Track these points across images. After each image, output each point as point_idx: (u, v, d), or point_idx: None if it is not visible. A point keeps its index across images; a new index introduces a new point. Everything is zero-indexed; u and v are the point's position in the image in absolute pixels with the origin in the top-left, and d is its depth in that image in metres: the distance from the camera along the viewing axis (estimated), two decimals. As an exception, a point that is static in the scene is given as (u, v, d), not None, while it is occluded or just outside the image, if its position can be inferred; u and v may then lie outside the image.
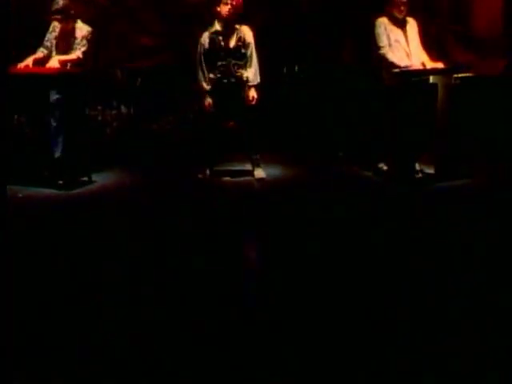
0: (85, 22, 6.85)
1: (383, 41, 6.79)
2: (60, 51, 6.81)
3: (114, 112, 8.13)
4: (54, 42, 6.85)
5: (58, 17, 6.67)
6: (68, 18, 6.68)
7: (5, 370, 3.04)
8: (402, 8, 6.77)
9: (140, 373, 3.17)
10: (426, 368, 3.14)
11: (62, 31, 6.80)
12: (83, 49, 6.75)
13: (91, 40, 6.80)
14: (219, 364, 3.23)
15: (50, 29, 6.84)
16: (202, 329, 3.58)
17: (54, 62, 6.66)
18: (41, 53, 6.84)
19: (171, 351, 3.37)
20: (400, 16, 6.81)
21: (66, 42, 6.82)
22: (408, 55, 6.81)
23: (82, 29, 6.78)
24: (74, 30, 6.77)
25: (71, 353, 3.33)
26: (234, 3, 6.64)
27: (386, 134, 6.97)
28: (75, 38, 6.76)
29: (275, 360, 3.26)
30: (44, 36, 6.88)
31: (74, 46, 6.76)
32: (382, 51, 6.79)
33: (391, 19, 6.81)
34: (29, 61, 6.72)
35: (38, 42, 6.88)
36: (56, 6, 6.61)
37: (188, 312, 3.81)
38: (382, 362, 3.23)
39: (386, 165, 6.96)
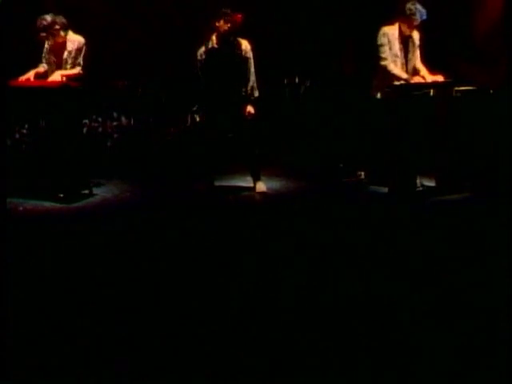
0: (76, 31, 6.86)
1: (385, 51, 6.78)
2: (53, 65, 6.85)
3: (114, 124, 8.13)
4: (47, 56, 6.88)
5: (44, 34, 6.67)
6: (53, 34, 6.70)
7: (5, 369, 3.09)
8: (413, 26, 6.77)
9: (140, 373, 3.21)
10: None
11: (53, 45, 6.83)
12: (82, 63, 6.80)
13: (85, 50, 6.82)
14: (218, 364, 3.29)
15: (45, 44, 6.86)
16: (202, 333, 3.63)
17: (56, 76, 6.68)
18: (42, 68, 6.90)
19: (171, 351, 3.43)
20: (407, 33, 6.82)
21: (58, 56, 6.84)
22: (405, 71, 6.82)
23: (73, 41, 6.79)
24: (65, 42, 6.79)
25: (71, 353, 3.39)
26: (236, 19, 6.63)
27: (385, 147, 6.97)
28: (67, 50, 6.79)
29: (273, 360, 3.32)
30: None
31: (67, 59, 6.79)
32: (384, 62, 6.79)
33: (397, 31, 6.80)
34: (30, 74, 6.74)
35: (39, 56, 6.91)
36: (39, 24, 6.61)
37: (188, 318, 3.85)
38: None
39: (365, 173, 7.11)
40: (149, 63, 8.51)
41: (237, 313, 3.95)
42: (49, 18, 6.62)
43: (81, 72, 6.81)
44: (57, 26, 6.67)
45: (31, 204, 6.40)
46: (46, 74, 6.87)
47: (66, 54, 6.79)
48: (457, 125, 6.74)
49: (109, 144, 7.79)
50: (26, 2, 7.45)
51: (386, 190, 6.78)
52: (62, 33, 6.73)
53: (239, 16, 6.65)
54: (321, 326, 3.74)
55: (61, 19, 6.71)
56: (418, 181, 6.76)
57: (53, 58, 6.86)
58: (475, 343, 3.50)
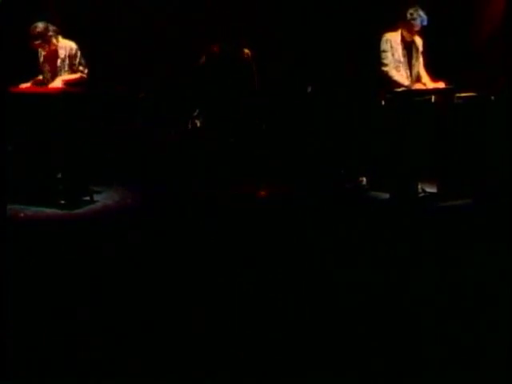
0: (66, 36, 6.82)
1: (388, 57, 6.80)
2: (48, 73, 6.84)
3: (115, 129, 8.11)
4: (42, 65, 6.87)
5: (38, 42, 6.62)
6: (47, 41, 6.65)
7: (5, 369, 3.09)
8: (414, 32, 6.79)
9: (140, 373, 3.23)
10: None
11: (47, 54, 6.79)
12: (81, 67, 6.81)
13: (80, 55, 6.79)
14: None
15: (39, 53, 6.84)
16: (202, 333, 3.65)
17: (58, 83, 6.69)
18: (41, 76, 6.91)
19: (171, 351, 3.45)
20: (409, 38, 6.83)
21: (52, 64, 6.82)
22: (408, 77, 6.84)
23: (65, 47, 6.76)
24: (56, 49, 6.75)
25: (71, 353, 3.40)
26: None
27: (387, 153, 6.97)
28: (60, 58, 6.77)
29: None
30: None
31: (61, 66, 6.78)
32: (386, 69, 6.80)
33: (400, 37, 6.82)
34: (31, 83, 6.77)
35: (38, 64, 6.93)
36: (33, 32, 6.57)
37: (188, 318, 3.88)
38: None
39: (366, 179, 7.13)
40: (149, 68, 8.51)
41: (237, 313, 3.96)
42: (41, 24, 6.59)
43: (84, 76, 6.82)
44: (50, 33, 6.63)
45: (32, 210, 6.38)
46: (44, 83, 6.87)
47: (59, 61, 6.77)
48: (458, 131, 6.73)
49: (109, 150, 7.78)
50: (26, 3, 7.45)
51: (387, 195, 6.78)
52: (54, 40, 6.70)
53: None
54: (321, 327, 3.74)
55: (52, 26, 6.67)
56: (419, 186, 6.75)
57: (47, 67, 6.84)
58: (476, 343, 3.50)
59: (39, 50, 6.77)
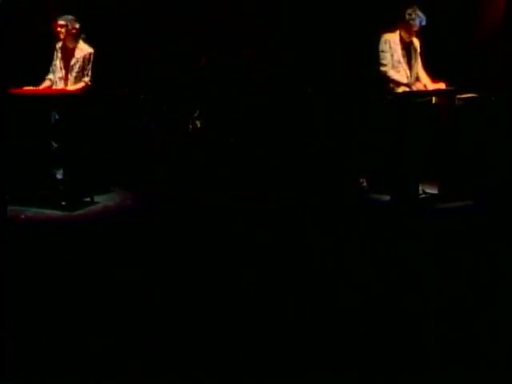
0: (87, 41, 6.93)
1: (386, 58, 6.78)
2: (61, 70, 6.90)
3: (115, 130, 8.10)
4: (56, 62, 6.94)
5: (60, 28, 6.74)
6: (68, 34, 6.78)
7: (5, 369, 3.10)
8: (412, 32, 6.79)
9: (140, 373, 3.24)
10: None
11: (63, 50, 6.91)
12: (89, 74, 6.87)
13: (92, 61, 6.89)
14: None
15: (55, 52, 6.93)
16: (202, 333, 3.65)
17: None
18: (48, 80, 6.96)
19: (171, 351, 3.45)
20: (408, 39, 6.83)
21: (66, 62, 6.91)
22: (407, 77, 6.84)
23: (82, 49, 6.88)
24: (74, 49, 6.87)
25: (71, 353, 3.41)
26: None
27: (387, 154, 6.97)
28: (75, 57, 6.87)
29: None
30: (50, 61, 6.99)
31: (74, 66, 6.86)
32: (384, 69, 6.79)
33: (398, 37, 6.82)
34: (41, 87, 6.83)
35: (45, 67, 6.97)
36: (60, 20, 6.73)
37: (188, 318, 3.88)
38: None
39: (367, 181, 7.10)
40: (149, 68, 8.50)
41: (237, 313, 3.96)
42: (69, 16, 6.77)
43: (88, 83, 6.89)
44: (73, 25, 6.79)
45: (32, 211, 6.39)
46: (52, 85, 6.93)
47: (73, 61, 6.87)
48: (459, 132, 6.73)
49: (110, 150, 7.78)
50: (26, 3, 7.47)
51: (387, 197, 6.77)
52: (74, 39, 6.82)
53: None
54: (321, 327, 3.75)
55: (79, 26, 6.83)
56: (419, 187, 6.75)
57: (62, 63, 6.93)
58: (476, 343, 3.50)
59: (57, 49, 6.89)
